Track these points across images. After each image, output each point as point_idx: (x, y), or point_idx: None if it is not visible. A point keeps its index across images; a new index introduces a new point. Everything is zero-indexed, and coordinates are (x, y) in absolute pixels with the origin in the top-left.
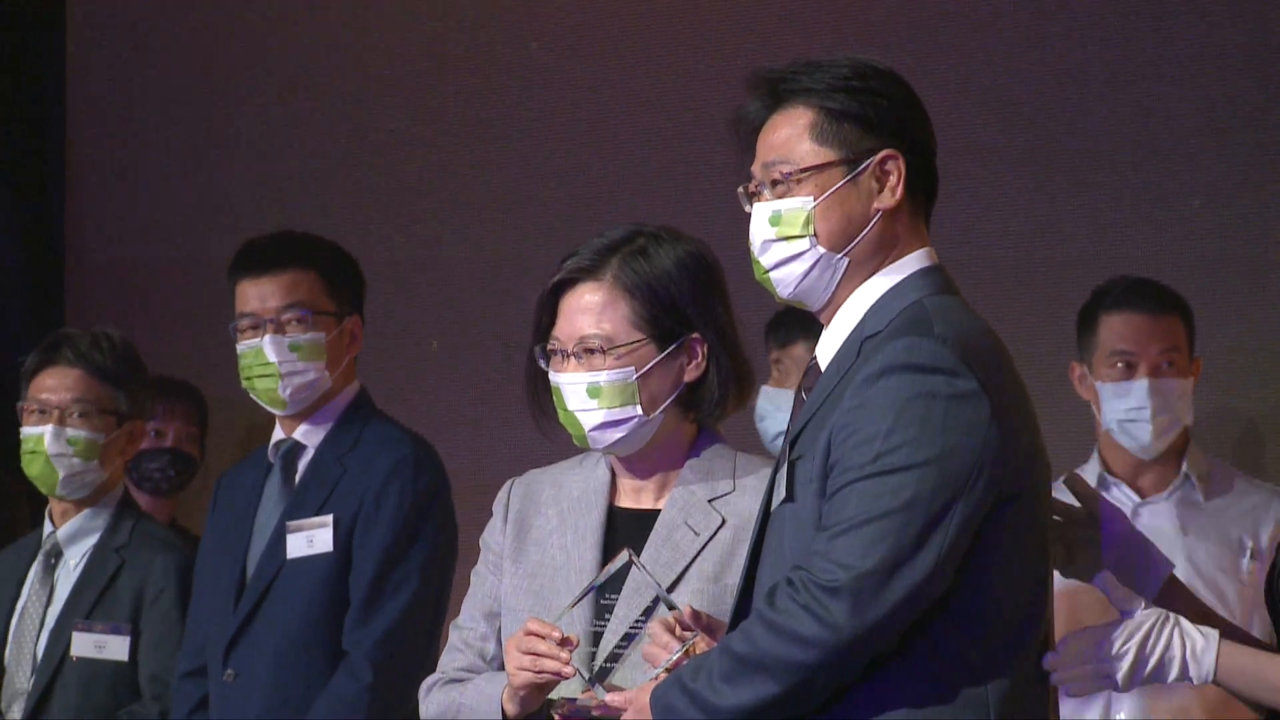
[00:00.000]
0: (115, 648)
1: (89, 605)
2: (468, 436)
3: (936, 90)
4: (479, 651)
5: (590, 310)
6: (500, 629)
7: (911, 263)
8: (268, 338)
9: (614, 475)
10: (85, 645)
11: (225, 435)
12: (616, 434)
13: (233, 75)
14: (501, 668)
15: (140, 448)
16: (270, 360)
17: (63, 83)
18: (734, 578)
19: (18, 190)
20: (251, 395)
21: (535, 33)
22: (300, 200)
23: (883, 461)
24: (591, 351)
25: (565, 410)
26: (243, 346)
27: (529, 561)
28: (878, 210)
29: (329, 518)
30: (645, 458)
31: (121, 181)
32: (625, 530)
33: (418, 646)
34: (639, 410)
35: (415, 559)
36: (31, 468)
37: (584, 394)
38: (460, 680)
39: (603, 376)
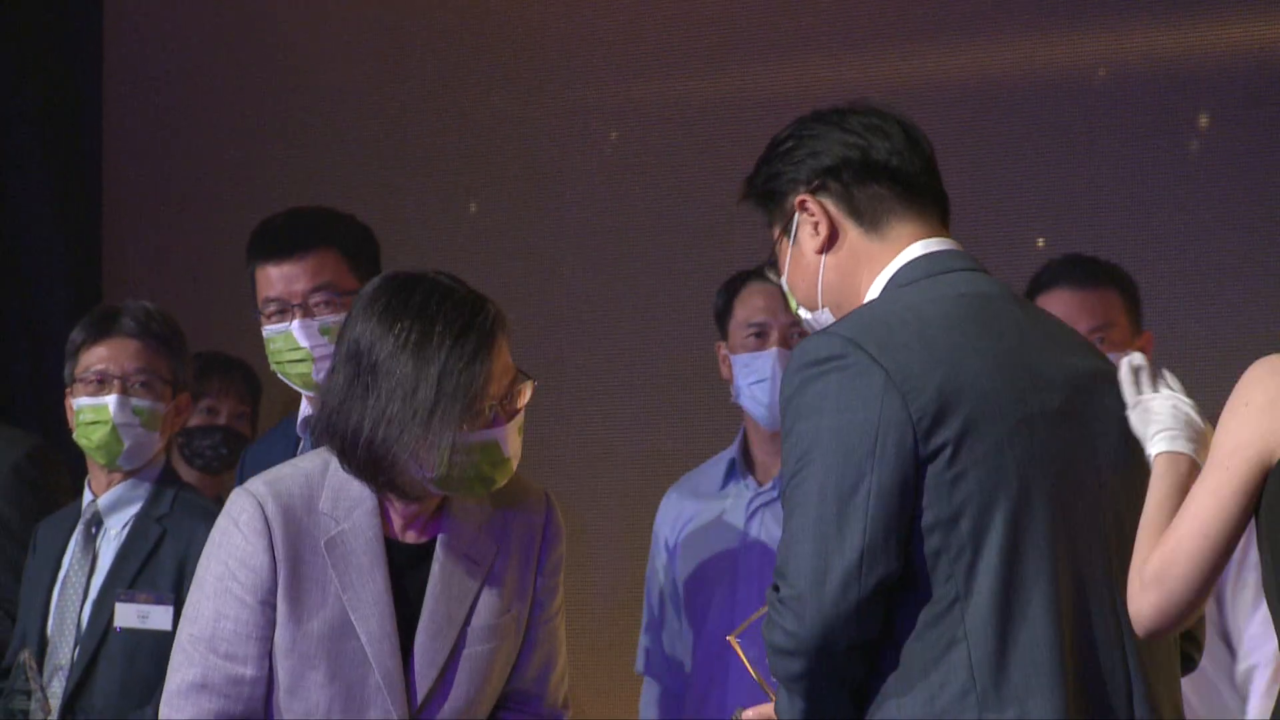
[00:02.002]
0: (158, 618)
1: (132, 575)
2: None
3: None
4: (248, 699)
5: None
6: (276, 670)
7: (883, 277)
8: (297, 322)
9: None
10: (129, 616)
11: (277, 412)
12: None
13: (269, 49)
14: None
15: (189, 423)
16: (302, 345)
17: (100, 61)
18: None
19: (56, 170)
20: (282, 378)
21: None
22: (334, 173)
23: (792, 465)
24: None
25: None
26: (270, 331)
27: (313, 603)
28: (819, 254)
29: None
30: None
31: (159, 160)
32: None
33: None
34: None
35: None
36: (93, 437)
37: None
38: None
39: None
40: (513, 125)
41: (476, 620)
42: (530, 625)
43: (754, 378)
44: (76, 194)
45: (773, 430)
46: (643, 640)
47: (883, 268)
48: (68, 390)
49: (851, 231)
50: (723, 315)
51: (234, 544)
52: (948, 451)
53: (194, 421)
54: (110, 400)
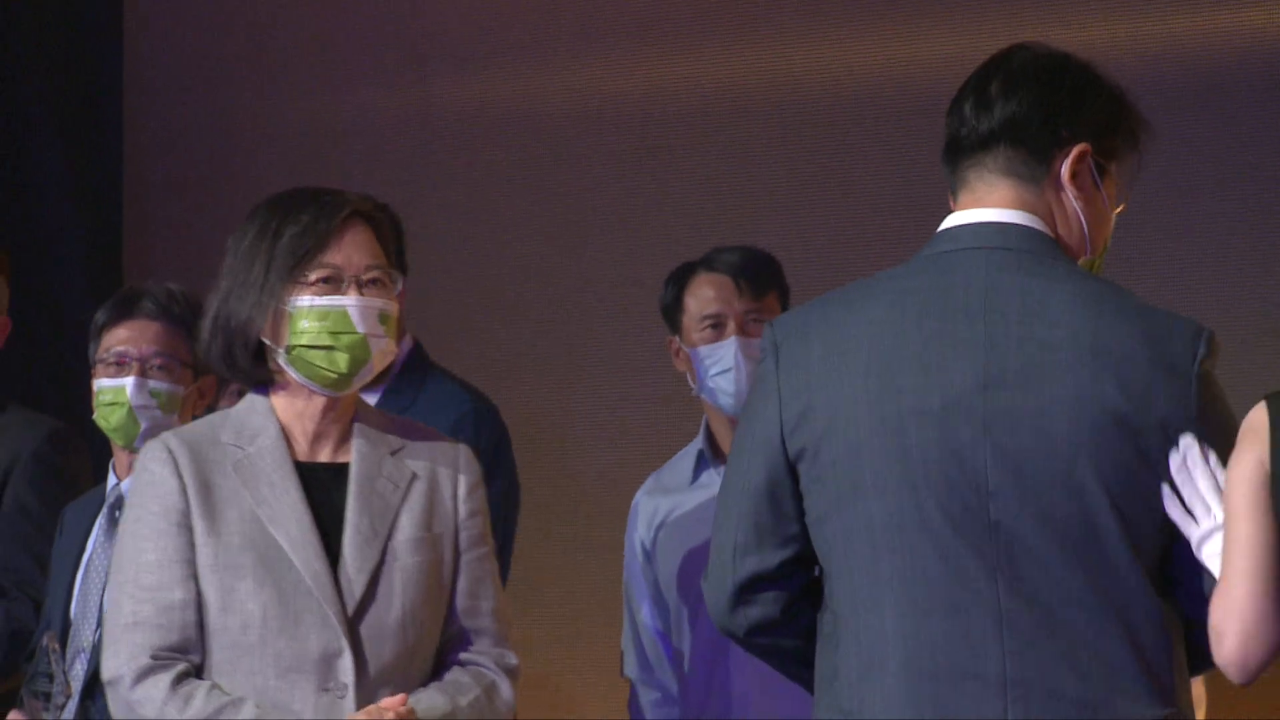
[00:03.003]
0: None
1: None
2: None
3: None
4: (181, 626)
5: None
6: (202, 593)
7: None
8: None
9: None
10: None
11: None
12: None
13: (291, 33)
14: (194, 645)
15: (219, 406)
16: None
17: (120, 45)
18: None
19: (76, 154)
20: None
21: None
22: (357, 149)
23: None
24: None
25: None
26: None
27: (230, 519)
28: None
29: None
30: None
31: (179, 143)
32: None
33: None
34: None
35: None
36: (110, 419)
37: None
38: (217, 702)
39: None
40: (531, 104)
41: (400, 534)
42: (457, 558)
43: (717, 368)
44: (97, 177)
45: (737, 417)
46: (628, 645)
47: None
48: (92, 372)
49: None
50: (672, 309)
51: (142, 483)
52: (809, 453)
53: (224, 404)
54: (128, 382)
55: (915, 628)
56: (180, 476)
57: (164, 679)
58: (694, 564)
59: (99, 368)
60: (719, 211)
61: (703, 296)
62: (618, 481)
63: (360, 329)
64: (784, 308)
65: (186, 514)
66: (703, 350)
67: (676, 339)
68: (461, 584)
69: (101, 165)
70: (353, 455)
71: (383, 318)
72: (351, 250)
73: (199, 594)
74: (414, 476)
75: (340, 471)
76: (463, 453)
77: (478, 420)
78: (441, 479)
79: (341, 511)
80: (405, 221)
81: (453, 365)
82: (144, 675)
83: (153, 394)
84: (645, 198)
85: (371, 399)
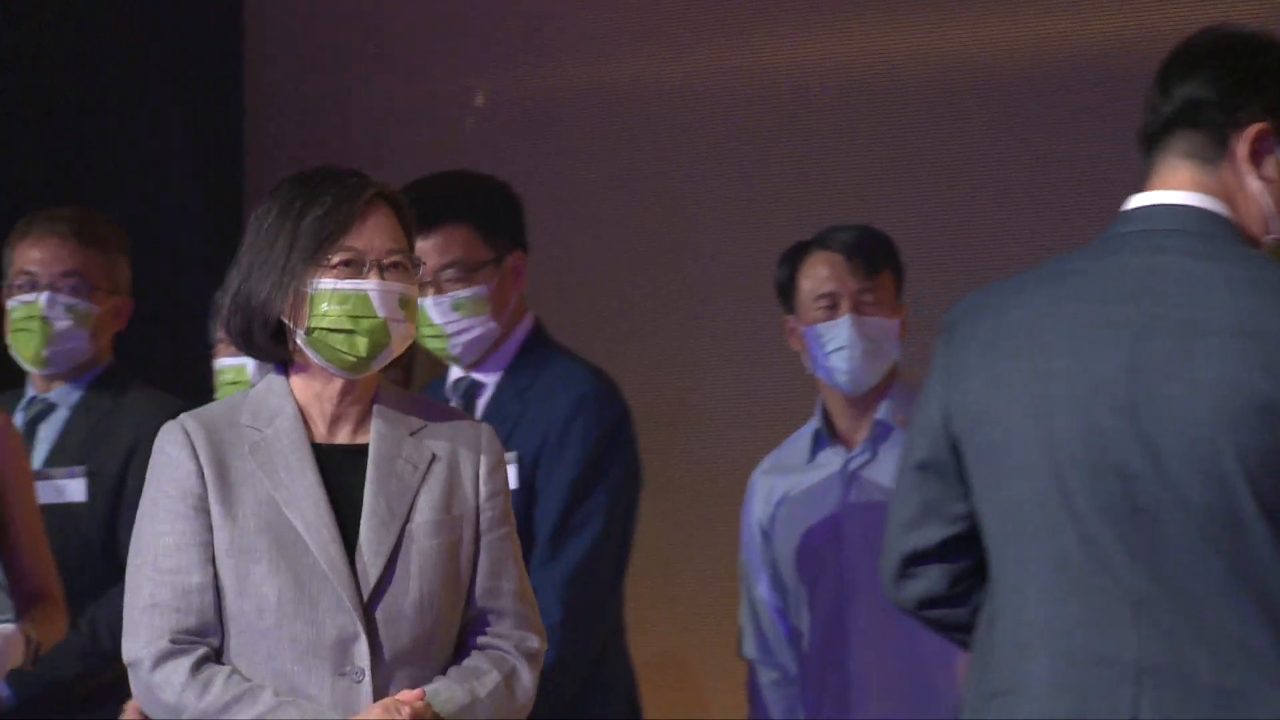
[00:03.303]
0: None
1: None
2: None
3: None
4: (200, 609)
5: None
6: (219, 576)
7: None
8: (430, 299)
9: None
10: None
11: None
12: None
13: (408, 5)
14: (212, 628)
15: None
16: (436, 322)
17: (240, 17)
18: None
19: (196, 132)
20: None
21: None
22: (473, 130)
23: None
24: None
25: None
26: None
27: (246, 502)
28: None
29: (513, 455)
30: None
31: (297, 126)
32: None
33: (606, 582)
34: None
35: (601, 494)
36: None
37: None
38: (236, 690)
39: None
40: (643, 86)
41: (419, 516)
42: (478, 539)
43: (831, 346)
44: (218, 158)
45: (854, 396)
46: (746, 624)
47: None
48: (213, 352)
49: None
50: (786, 288)
51: (159, 465)
52: (967, 434)
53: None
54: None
55: (1056, 610)
56: (197, 459)
57: (183, 664)
58: (811, 543)
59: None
60: (821, 193)
61: (816, 275)
62: (738, 462)
63: (381, 313)
64: (898, 287)
65: (203, 497)
66: (817, 329)
67: (791, 318)
68: (482, 565)
69: (223, 147)
70: (371, 436)
71: (403, 302)
72: (374, 234)
73: (216, 578)
74: (434, 457)
75: (359, 453)
76: (484, 432)
77: (599, 400)
78: (462, 459)
79: (359, 494)
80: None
81: (572, 344)
82: (163, 659)
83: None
84: (758, 177)
85: (491, 379)
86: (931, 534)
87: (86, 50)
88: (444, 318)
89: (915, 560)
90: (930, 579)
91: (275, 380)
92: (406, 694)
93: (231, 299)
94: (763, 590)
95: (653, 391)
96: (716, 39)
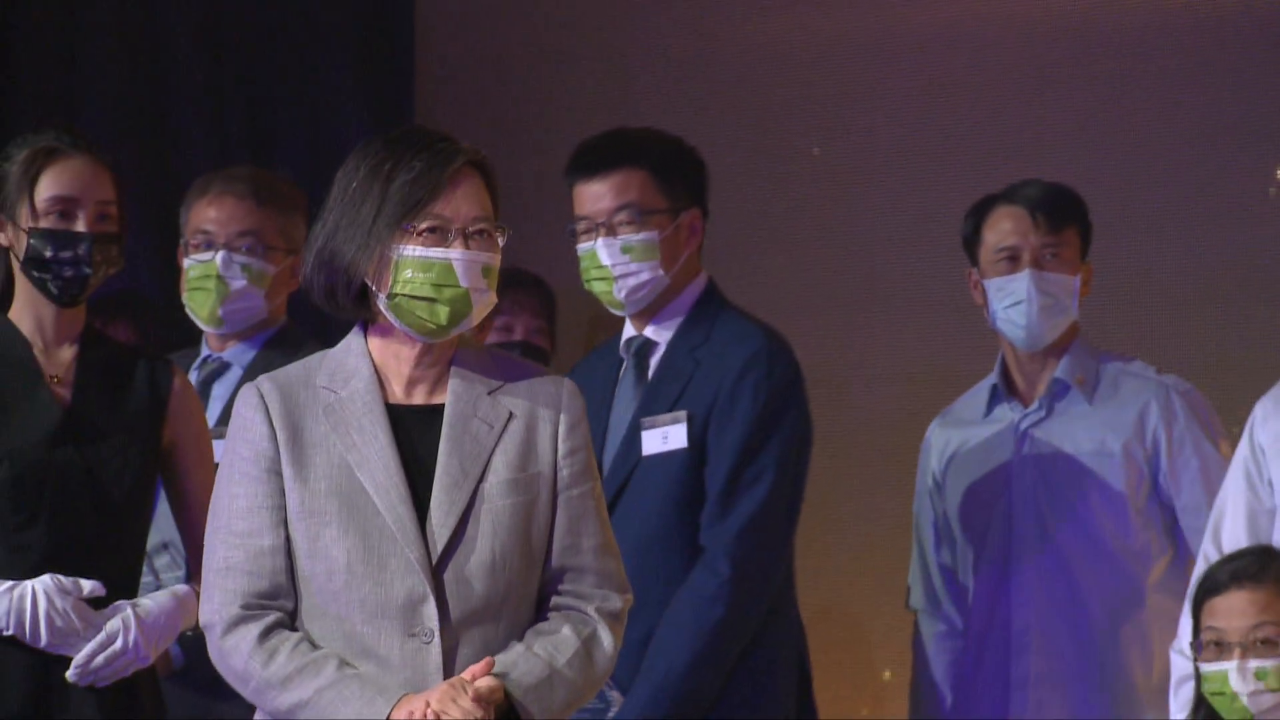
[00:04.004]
0: None
1: None
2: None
3: None
4: (272, 572)
5: None
6: (291, 539)
7: None
8: (600, 240)
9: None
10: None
11: (572, 328)
12: None
13: None
14: (285, 590)
15: (487, 339)
16: (604, 264)
17: None
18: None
19: (369, 94)
20: (594, 295)
21: None
22: (646, 100)
23: None
24: None
25: None
26: (580, 249)
27: (318, 464)
28: None
29: (683, 413)
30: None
31: (468, 85)
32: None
33: (775, 539)
34: None
35: (771, 452)
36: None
37: None
38: (300, 660)
39: None
40: (814, 40)
41: (493, 476)
42: (557, 495)
43: (1009, 300)
44: (389, 117)
45: (1030, 351)
46: (915, 578)
47: None
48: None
49: None
50: (971, 241)
51: (235, 428)
52: None
53: (491, 339)
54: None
55: None
56: (270, 422)
57: (252, 630)
58: (980, 499)
59: None
60: (1001, 147)
61: (1000, 229)
62: (906, 421)
63: (464, 283)
64: (1085, 243)
65: (276, 460)
66: (996, 282)
67: (975, 271)
68: (561, 522)
69: (395, 110)
70: (448, 396)
71: (486, 271)
72: (461, 202)
73: (288, 540)
74: (510, 415)
75: (435, 413)
76: (566, 388)
77: (770, 358)
78: (541, 416)
79: (434, 455)
80: None
81: (744, 303)
82: (234, 625)
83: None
84: (929, 133)
85: (664, 337)
86: None
87: (263, 14)
88: (613, 259)
89: None
90: None
91: (354, 340)
92: (475, 666)
93: (315, 255)
94: (932, 544)
95: (823, 347)
96: None
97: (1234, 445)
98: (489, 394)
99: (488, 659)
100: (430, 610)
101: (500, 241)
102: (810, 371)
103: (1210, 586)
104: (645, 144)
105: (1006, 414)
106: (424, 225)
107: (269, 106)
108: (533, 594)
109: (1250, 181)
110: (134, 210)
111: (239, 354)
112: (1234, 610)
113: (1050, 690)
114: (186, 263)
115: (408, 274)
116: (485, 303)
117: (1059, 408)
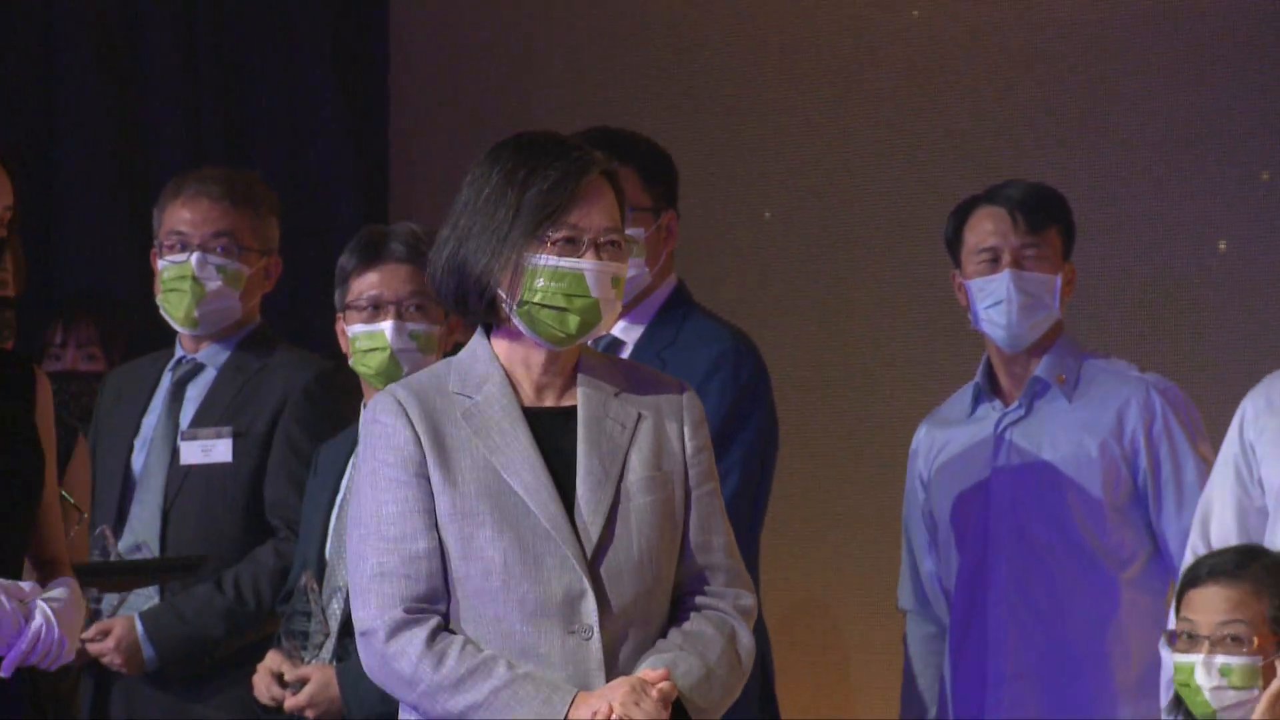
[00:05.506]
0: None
1: None
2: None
3: None
4: (428, 575)
5: None
6: (443, 542)
7: None
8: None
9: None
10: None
11: None
12: None
13: None
14: (440, 594)
15: (460, 339)
16: None
17: None
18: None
19: (345, 93)
20: None
21: None
22: (620, 87)
23: None
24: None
25: None
26: None
27: (464, 467)
28: None
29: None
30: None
31: (443, 83)
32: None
33: (740, 538)
34: None
35: (737, 452)
36: (371, 364)
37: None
38: (470, 662)
39: None
40: (797, 41)
41: (632, 475)
42: (688, 495)
43: (989, 301)
44: (366, 119)
45: (1012, 352)
46: (904, 578)
47: None
48: (341, 317)
49: None
50: (953, 242)
51: (376, 435)
52: None
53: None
54: (386, 326)
55: None
56: (413, 427)
57: (419, 634)
58: (962, 498)
59: (350, 313)
60: (987, 148)
61: (980, 230)
62: (895, 418)
63: (595, 293)
64: (1068, 243)
65: (423, 464)
66: (977, 283)
67: (957, 273)
68: (693, 520)
69: (370, 108)
70: (579, 398)
71: (615, 281)
72: (594, 212)
73: (440, 543)
74: (639, 416)
75: (567, 415)
76: (686, 390)
77: (737, 358)
78: (666, 417)
79: (572, 454)
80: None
81: (723, 306)
82: (399, 629)
83: (411, 336)
84: (910, 134)
85: (632, 336)
86: None
87: (238, 14)
88: None
89: None
90: None
91: (479, 346)
92: (651, 673)
93: (447, 260)
94: (921, 545)
95: (805, 353)
96: None
97: (1215, 444)
98: (615, 396)
99: (664, 668)
100: (589, 606)
101: (631, 252)
102: (791, 373)
103: (1190, 579)
104: (632, 142)
105: (989, 413)
106: (559, 235)
107: (244, 106)
108: (670, 589)
109: (1235, 182)
110: (108, 211)
111: (213, 355)
112: (1208, 604)
113: (1025, 689)
114: (161, 264)
115: (540, 283)
116: (614, 313)
117: (1039, 406)
